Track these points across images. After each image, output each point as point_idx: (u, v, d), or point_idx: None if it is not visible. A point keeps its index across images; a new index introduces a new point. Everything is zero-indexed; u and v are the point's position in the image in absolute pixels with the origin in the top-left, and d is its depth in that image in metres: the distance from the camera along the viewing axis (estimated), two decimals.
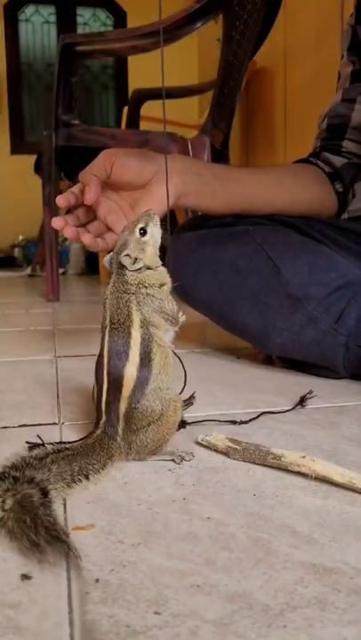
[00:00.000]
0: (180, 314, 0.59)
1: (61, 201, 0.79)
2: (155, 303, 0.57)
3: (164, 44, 1.80)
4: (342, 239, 1.03)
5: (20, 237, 4.81)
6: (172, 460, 0.57)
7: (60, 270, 3.04)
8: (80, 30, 5.23)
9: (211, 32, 3.02)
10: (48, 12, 5.23)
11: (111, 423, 0.56)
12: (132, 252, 0.57)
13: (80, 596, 0.36)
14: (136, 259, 0.57)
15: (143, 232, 0.59)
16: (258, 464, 0.56)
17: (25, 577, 0.38)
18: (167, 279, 0.59)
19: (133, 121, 2.72)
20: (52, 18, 5.23)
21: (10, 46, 5.15)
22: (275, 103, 2.94)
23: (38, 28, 5.25)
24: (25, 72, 5.26)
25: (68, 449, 0.53)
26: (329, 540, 0.42)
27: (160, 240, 0.61)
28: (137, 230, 0.59)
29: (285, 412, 0.74)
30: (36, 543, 0.39)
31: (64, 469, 0.50)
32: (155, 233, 0.60)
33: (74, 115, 2.06)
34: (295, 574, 0.38)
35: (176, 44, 1.83)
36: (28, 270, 4.02)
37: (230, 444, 0.58)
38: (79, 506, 0.48)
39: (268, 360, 1.04)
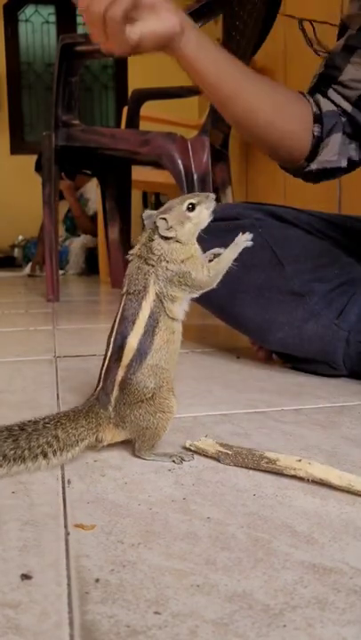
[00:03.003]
0: (210, 274, 0.58)
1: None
2: (175, 277, 0.57)
3: None
4: (343, 239, 1.03)
5: (20, 237, 4.81)
6: (173, 462, 0.57)
7: (61, 272, 3.04)
8: (80, 30, 5.22)
9: (211, 32, 3.02)
10: (48, 12, 5.22)
11: (106, 391, 0.57)
12: (171, 220, 0.57)
13: (80, 596, 0.36)
14: (171, 227, 0.57)
15: (191, 207, 0.58)
16: (251, 469, 0.55)
17: (25, 577, 0.38)
18: (195, 253, 0.58)
19: (133, 121, 2.72)
20: (52, 18, 5.23)
21: (10, 46, 5.14)
22: None
23: (38, 28, 5.25)
24: (25, 72, 5.25)
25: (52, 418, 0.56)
26: (329, 540, 0.42)
27: (205, 225, 0.59)
28: (186, 203, 0.58)
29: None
30: None
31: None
32: (202, 216, 0.59)
33: (74, 115, 2.06)
34: (295, 574, 0.38)
35: None
36: (27, 269, 4.02)
37: (221, 449, 0.58)
38: (79, 506, 0.48)
39: (269, 359, 1.04)
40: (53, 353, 1.15)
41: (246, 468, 0.56)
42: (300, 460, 0.53)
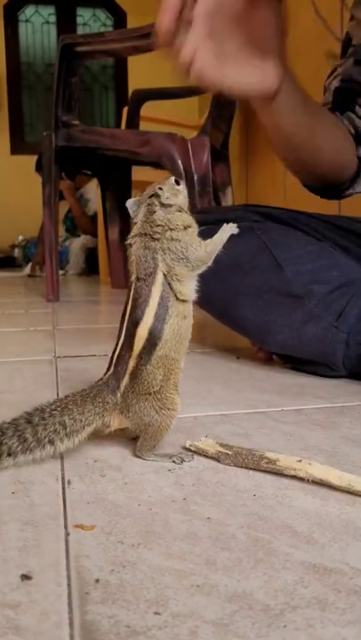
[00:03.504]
0: (207, 250, 0.59)
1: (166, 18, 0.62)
2: (178, 249, 0.57)
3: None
4: (342, 240, 1.03)
5: (20, 238, 4.81)
6: (173, 462, 0.57)
7: (61, 272, 3.04)
8: (80, 31, 5.23)
9: None
10: (48, 12, 5.22)
11: (117, 376, 0.57)
12: (166, 192, 0.58)
13: (80, 596, 0.36)
14: (168, 197, 0.58)
15: (177, 182, 0.60)
16: (251, 469, 0.55)
17: (25, 577, 0.38)
18: (193, 222, 0.60)
19: (133, 121, 2.72)
20: (52, 18, 5.23)
21: (10, 46, 5.15)
22: None
23: (38, 29, 5.25)
24: (25, 72, 5.25)
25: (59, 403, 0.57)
26: (329, 540, 0.42)
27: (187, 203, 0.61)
28: (171, 179, 0.60)
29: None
30: None
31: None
32: (185, 193, 0.61)
33: (74, 115, 2.06)
34: (295, 574, 0.38)
35: None
36: (27, 270, 4.01)
37: (221, 449, 0.57)
38: (79, 506, 0.48)
39: (269, 360, 1.04)
40: (53, 353, 1.15)
41: (246, 468, 0.56)
42: (300, 461, 0.53)
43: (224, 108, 1.99)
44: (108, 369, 0.59)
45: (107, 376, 0.58)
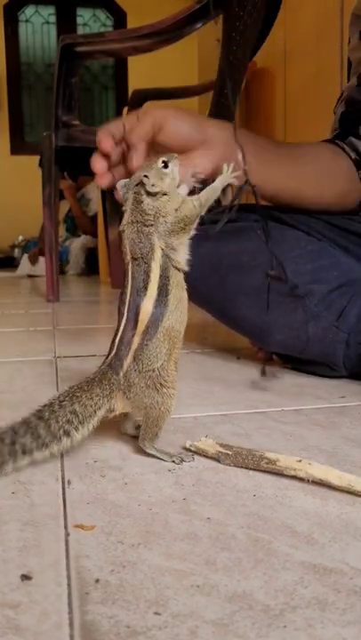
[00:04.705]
0: (196, 204, 0.60)
1: (99, 164, 0.71)
2: (177, 226, 0.59)
3: (165, 45, 1.80)
4: (341, 240, 1.03)
5: (20, 238, 4.81)
6: (173, 462, 0.57)
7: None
8: (80, 31, 5.23)
9: (211, 32, 3.02)
10: (48, 12, 5.22)
11: (119, 356, 0.57)
12: (152, 177, 0.58)
13: (80, 596, 0.36)
14: (154, 184, 0.58)
15: (165, 165, 0.60)
16: (251, 469, 0.55)
17: (25, 577, 0.38)
18: (181, 198, 0.60)
19: None
20: (52, 18, 5.23)
21: (10, 46, 5.15)
22: (275, 103, 2.94)
23: (38, 29, 5.25)
24: (25, 72, 5.26)
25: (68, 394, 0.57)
26: (329, 541, 0.42)
27: (178, 179, 0.61)
28: (159, 161, 0.60)
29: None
30: None
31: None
32: (175, 170, 0.61)
33: (74, 115, 2.06)
34: (295, 574, 0.38)
35: (176, 44, 1.83)
36: (25, 266, 4.00)
37: (221, 449, 0.57)
38: (79, 506, 0.48)
39: (269, 360, 1.04)
40: (53, 353, 1.15)
41: (246, 468, 0.56)
42: (300, 461, 0.53)
43: (225, 107, 1.99)
44: (110, 353, 0.59)
45: (109, 358, 0.58)
